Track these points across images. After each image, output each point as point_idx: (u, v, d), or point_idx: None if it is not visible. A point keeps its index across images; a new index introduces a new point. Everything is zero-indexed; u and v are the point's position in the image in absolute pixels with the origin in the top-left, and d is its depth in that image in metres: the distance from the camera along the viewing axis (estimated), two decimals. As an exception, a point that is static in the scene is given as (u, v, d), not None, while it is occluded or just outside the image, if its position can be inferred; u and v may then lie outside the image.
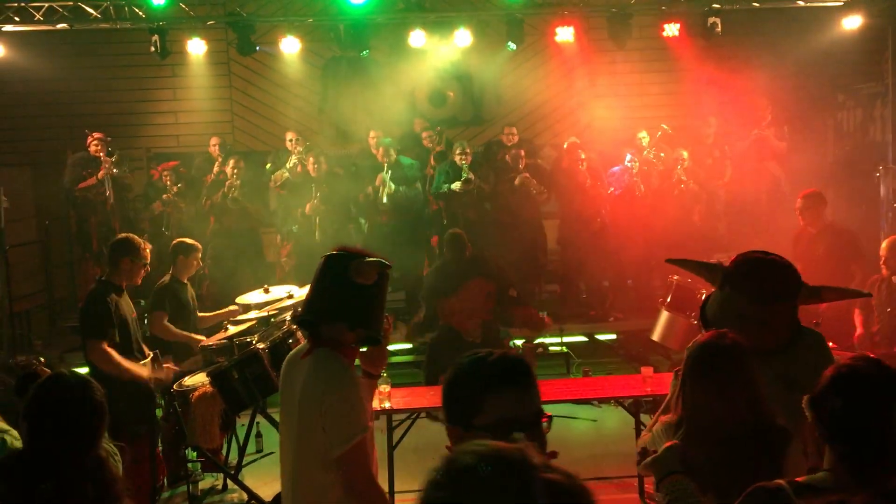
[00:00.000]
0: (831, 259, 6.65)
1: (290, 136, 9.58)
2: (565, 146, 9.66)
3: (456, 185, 8.91)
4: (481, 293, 6.21)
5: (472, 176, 8.90)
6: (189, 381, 5.52)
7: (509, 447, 1.26)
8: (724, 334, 2.64)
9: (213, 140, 9.83)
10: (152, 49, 9.16)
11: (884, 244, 5.98)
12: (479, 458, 1.23)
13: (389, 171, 8.97)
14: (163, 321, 6.07)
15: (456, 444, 1.82)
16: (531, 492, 1.20)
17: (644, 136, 9.65)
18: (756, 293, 3.00)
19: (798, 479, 2.12)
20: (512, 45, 9.84)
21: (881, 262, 5.94)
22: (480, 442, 1.27)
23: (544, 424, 1.82)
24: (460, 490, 1.21)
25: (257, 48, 9.50)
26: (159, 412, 6.09)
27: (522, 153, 9.23)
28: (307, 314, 3.04)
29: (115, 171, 9.11)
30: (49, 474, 2.45)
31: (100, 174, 9.06)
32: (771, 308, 2.99)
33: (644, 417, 5.57)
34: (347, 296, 2.92)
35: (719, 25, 9.43)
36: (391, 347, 9.15)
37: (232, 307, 6.21)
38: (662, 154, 9.33)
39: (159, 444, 5.82)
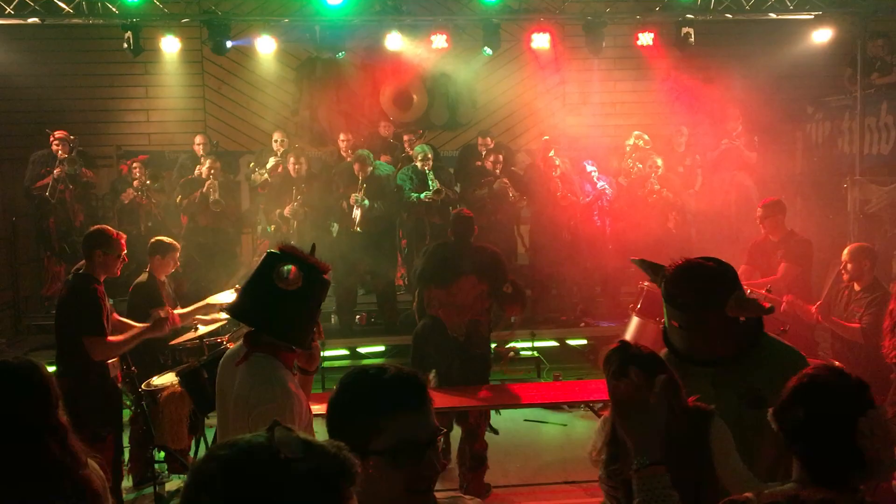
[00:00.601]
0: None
1: (277, 136, 9.51)
2: (543, 140, 9.71)
3: (426, 195, 8.88)
4: (472, 292, 5.94)
5: (440, 186, 8.88)
6: (158, 380, 5.46)
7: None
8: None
9: (199, 139, 9.74)
10: (125, 46, 9.05)
11: (845, 252, 6.07)
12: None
13: (364, 186, 8.72)
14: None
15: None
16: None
17: (632, 142, 9.72)
18: (678, 298, 2.92)
19: (766, 492, 2.14)
20: (488, 51, 9.87)
21: (842, 269, 6.04)
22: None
23: (440, 442, 1.74)
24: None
25: (228, 45, 9.37)
26: (127, 413, 6.02)
27: (501, 158, 9.26)
28: (235, 312, 2.93)
29: (68, 169, 8.97)
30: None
31: (55, 172, 8.93)
32: (693, 314, 2.88)
33: (614, 422, 5.59)
34: (270, 301, 2.76)
35: (692, 36, 9.54)
36: (363, 350, 9.17)
37: (210, 300, 6.07)
38: (640, 165, 9.40)
39: (126, 445, 5.74)
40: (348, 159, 9.12)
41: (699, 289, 2.89)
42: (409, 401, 1.71)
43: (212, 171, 8.94)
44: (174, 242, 6.22)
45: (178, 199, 9.11)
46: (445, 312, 5.91)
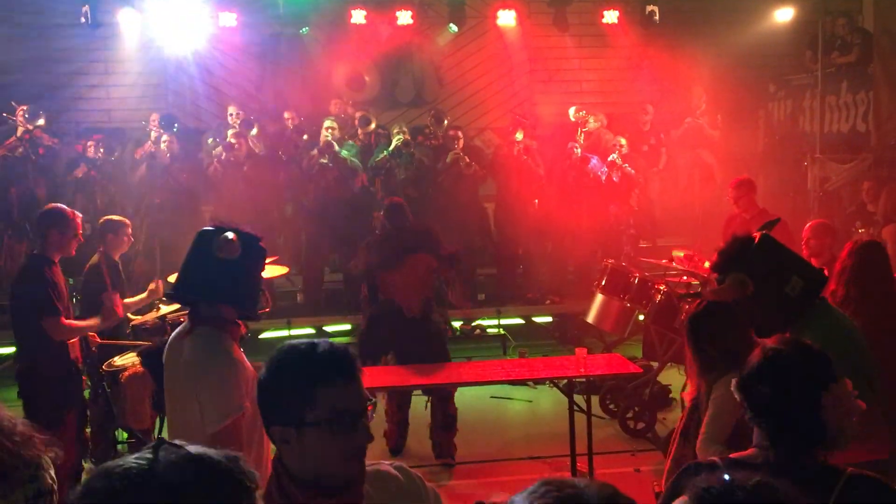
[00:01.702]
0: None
1: (231, 109, 9.39)
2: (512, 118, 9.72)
3: (395, 142, 8.94)
4: (421, 268, 6.07)
5: (408, 138, 8.99)
6: (120, 360, 5.40)
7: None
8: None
9: (153, 116, 9.60)
10: (83, 20, 8.84)
11: (807, 227, 6.15)
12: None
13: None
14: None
15: (281, 444, 1.80)
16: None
17: (580, 115, 9.74)
18: None
19: (732, 454, 2.20)
20: (453, 28, 9.82)
21: (803, 244, 6.12)
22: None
23: (370, 412, 1.88)
24: None
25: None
26: (87, 393, 5.93)
27: (460, 133, 9.25)
28: (178, 292, 3.01)
29: (30, 126, 8.83)
30: None
31: (18, 131, 8.81)
32: None
33: (578, 398, 5.65)
34: (214, 272, 2.85)
35: (657, 14, 9.57)
36: (330, 329, 9.14)
37: (151, 286, 5.98)
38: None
39: (87, 426, 5.67)
40: (324, 136, 9.05)
41: None
42: (340, 373, 1.78)
43: (164, 144, 8.87)
44: (124, 219, 6.07)
45: (135, 176, 8.98)
46: (400, 293, 6.03)
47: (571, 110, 9.73)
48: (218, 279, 2.85)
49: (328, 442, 1.76)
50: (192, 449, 1.27)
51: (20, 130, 8.79)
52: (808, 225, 6.17)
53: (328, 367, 1.78)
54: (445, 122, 9.71)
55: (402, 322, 6.05)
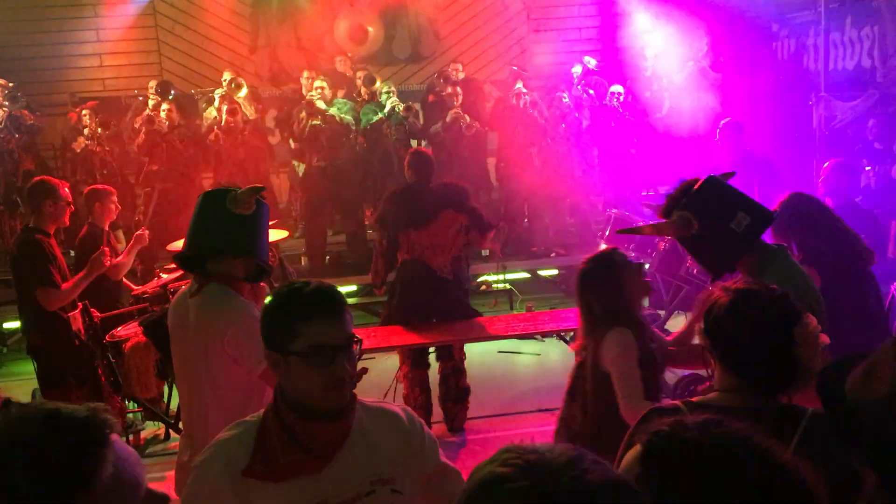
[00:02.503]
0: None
1: (226, 75, 9.28)
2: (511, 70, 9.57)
3: (389, 103, 8.81)
4: (452, 227, 5.66)
5: (415, 106, 8.91)
6: (122, 331, 5.39)
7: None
8: None
9: (150, 83, 9.52)
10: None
11: (826, 165, 5.99)
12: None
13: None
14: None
15: (274, 367, 1.99)
16: None
17: (577, 68, 9.61)
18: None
19: (693, 398, 2.17)
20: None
21: (820, 180, 5.96)
22: None
23: (356, 349, 1.99)
24: None
25: None
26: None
27: (459, 90, 9.10)
28: (190, 250, 3.04)
29: (6, 105, 8.74)
30: None
31: None
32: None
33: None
34: (230, 228, 2.96)
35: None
36: (341, 290, 9.11)
37: (137, 233, 5.95)
38: (592, 91, 9.28)
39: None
40: (309, 96, 8.91)
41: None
42: (322, 310, 1.94)
43: (164, 111, 8.77)
44: (109, 188, 5.99)
45: (134, 145, 8.89)
46: (430, 253, 5.69)
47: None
48: (238, 232, 2.96)
49: (307, 372, 1.92)
50: (43, 406, 1.34)
51: (1, 113, 8.69)
52: (827, 164, 6.03)
53: (311, 304, 1.94)
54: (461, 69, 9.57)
55: (437, 283, 5.73)
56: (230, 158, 8.84)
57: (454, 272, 5.77)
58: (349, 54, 10.38)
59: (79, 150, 9.00)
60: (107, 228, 5.85)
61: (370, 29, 10.98)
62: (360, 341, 1.99)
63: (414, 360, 5.81)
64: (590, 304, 3.24)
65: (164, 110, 8.84)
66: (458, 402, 5.94)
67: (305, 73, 9.49)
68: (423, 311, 5.78)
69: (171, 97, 9.18)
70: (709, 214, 3.10)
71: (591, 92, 9.28)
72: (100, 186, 6.07)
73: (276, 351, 1.96)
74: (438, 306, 5.77)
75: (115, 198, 5.88)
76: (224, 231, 2.95)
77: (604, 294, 3.20)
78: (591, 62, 9.62)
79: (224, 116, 8.86)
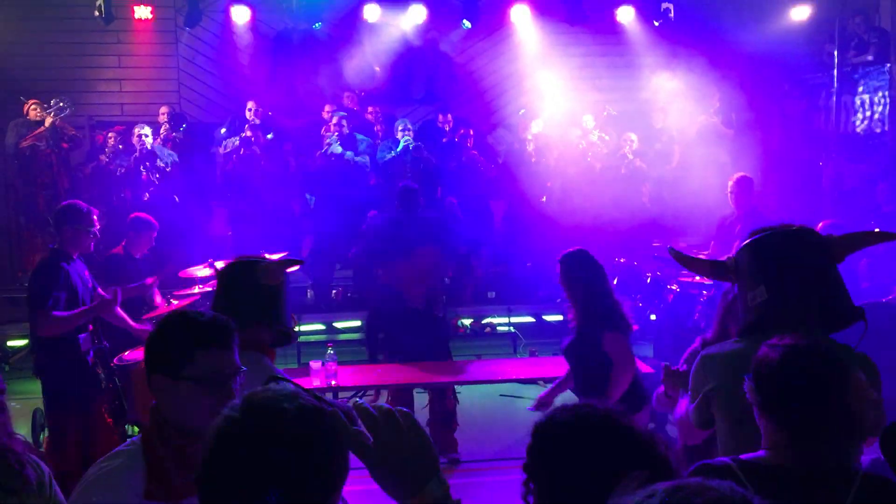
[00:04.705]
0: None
1: (250, 105, 9.43)
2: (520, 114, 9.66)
3: (402, 141, 8.90)
4: (431, 259, 5.84)
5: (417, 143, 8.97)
6: (130, 355, 5.39)
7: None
8: None
9: (163, 108, 9.64)
10: (96, 13, 8.87)
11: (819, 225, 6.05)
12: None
13: (338, 140, 8.95)
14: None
15: (157, 392, 2.08)
16: None
17: (589, 119, 9.72)
18: None
19: (742, 456, 2.11)
20: (467, 23, 9.78)
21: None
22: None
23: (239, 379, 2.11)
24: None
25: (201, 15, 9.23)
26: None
27: (471, 132, 9.23)
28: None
29: (57, 117, 8.97)
30: None
31: (46, 122, 8.94)
32: None
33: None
34: (260, 298, 3.10)
35: (672, 11, 9.50)
36: (339, 325, 9.13)
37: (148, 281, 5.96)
38: (607, 137, 9.39)
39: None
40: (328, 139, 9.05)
41: None
42: (218, 339, 2.08)
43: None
44: (151, 219, 6.08)
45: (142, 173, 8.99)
46: (405, 283, 5.83)
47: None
48: (266, 303, 3.11)
49: (199, 396, 2.02)
50: None
51: (48, 121, 8.82)
52: (819, 225, 6.09)
53: (208, 333, 2.08)
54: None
55: (406, 313, 5.86)
56: (246, 187, 8.92)
57: (428, 302, 5.92)
58: (356, 90, 10.52)
59: (122, 172, 9.08)
60: (136, 256, 5.92)
61: (376, 68, 11.10)
62: (245, 370, 2.12)
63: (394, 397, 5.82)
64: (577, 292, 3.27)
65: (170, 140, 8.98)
66: (445, 426, 5.91)
67: (327, 107, 9.62)
68: (388, 340, 6.01)
69: (182, 129, 9.32)
70: (746, 275, 2.94)
71: (606, 137, 9.37)
72: (143, 216, 6.12)
73: (165, 375, 2.05)
74: (403, 335, 5.89)
75: (153, 233, 5.95)
76: (256, 303, 3.08)
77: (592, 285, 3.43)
78: (609, 110, 9.76)
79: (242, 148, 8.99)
